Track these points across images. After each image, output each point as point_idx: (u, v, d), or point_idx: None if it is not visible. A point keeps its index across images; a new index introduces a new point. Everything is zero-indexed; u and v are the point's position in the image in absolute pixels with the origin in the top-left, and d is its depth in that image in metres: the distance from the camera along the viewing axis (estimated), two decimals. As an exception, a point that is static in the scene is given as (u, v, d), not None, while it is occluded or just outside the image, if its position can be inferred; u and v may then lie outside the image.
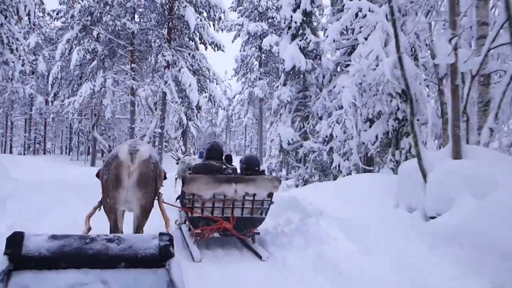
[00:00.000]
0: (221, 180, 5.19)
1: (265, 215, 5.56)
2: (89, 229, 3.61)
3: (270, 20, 29.34)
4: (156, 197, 3.99)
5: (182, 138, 29.72)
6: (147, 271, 1.67)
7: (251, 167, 5.66)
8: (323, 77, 13.29)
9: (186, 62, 19.87)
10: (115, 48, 19.65)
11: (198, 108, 22.26)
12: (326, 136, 12.98)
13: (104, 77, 18.97)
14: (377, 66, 10.56)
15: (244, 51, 29.58)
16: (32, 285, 1.51)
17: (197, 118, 23.04)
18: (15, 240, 1.61)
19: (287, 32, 13.98)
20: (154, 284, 1.63)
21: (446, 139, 11.30)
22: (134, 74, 19.04)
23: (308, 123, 13.55)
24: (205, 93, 21.17)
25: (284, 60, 13.59)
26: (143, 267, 1.68)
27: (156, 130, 22.48)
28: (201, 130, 57.28)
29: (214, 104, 21.44)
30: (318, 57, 13.71)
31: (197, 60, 20.55)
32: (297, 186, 14.41)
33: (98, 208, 3.97)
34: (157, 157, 3.93)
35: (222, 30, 26.19)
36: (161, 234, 1.79)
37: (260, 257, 4.98)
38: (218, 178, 5.22)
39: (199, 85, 20.50)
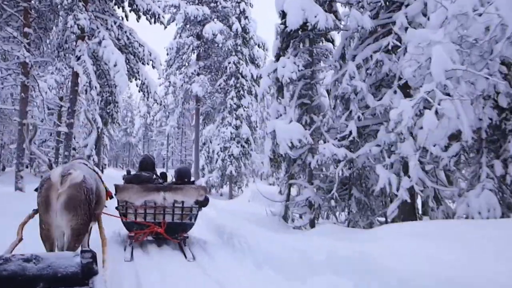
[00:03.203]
0: (149, 189, 5.89)
1: (194, 220, 6.15)
2: (21, 239, 3.67)
3: (212, 5, 24.19)
4: (96, 220, 4.13)
5: (95, 147, 22.99)
6: None
7: (181, 178, 6.43)
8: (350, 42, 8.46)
9: (110, 34, 13.86)
10: (1, 4, 13.01)
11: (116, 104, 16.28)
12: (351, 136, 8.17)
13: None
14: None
15: (180, 37, 23.90)
16: None
17: (117, 116, 16.79)
18: None
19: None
20: None
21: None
22: (28, 43, 12.55)
23: (324, 116, 8.46)
24: (135, 79, 15.18)
25: (283, 14, 8.52)
26: (64, 287, 1.53)
27: (62, 130, 16.03)
28: (114, 139, 49.60)
29: (148, 96, 15.51)
30: (335, 13, 8.81)
31: (125, 32, 14.58)
32: (300, 220, 9.21)
33: (32, 217, 3.96)
34: (94, 183, 3.90)
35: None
36: (83, 251, 1.72)
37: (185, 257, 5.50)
38: (147, 187, 5.92)
39: (128, 67, 14.54)
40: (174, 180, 6.55)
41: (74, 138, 22.00)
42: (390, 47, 8.20)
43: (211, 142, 31.72)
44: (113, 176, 25.02)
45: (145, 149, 56.48)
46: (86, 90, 15.22)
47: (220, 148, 22.96)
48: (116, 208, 5.84)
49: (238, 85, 23.33)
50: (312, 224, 9.28)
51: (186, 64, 24.65)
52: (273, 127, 8.68)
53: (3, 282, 1.55)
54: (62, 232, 3.65)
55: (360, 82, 7.97)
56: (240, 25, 23.65)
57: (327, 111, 8.33)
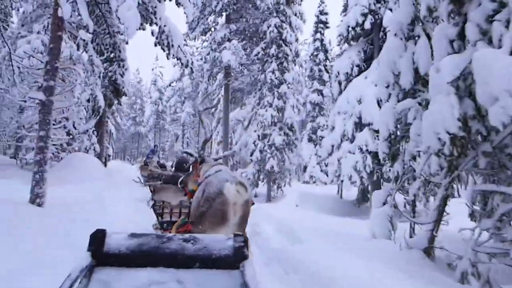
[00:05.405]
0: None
1: None
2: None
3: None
4: None
5: (96, 133, 17.79)
6: (221, 272, 1.53)
7: None
8: None
9: None
10: None
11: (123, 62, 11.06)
12: None
13: None
14: None
15: (207, -9, 18.57)
16: (113, 281, 1.47)
17: (124, 83, 11.56)
18: (98, 237, 1.55)
19: None
20: (228, 285, 1.48)
21: None
22: None
23: None
24: (150, 23, 9.94)
25: None
26: (217, 268, 1.54)
27: (34, 97, 10.79)
28: (121, 128, 44.44)
29: (169, 52, 10.33)
30: None
31: None
32: None
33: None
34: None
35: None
36: (235, 235, 1.63)
37: None
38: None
39: (141, 4, 9.28)
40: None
41: (74, 125, 16.86)
42: None
43: (233, 132, 26.61)
44: (122, 170, 19.79)
45: (156, 140, 51.40)
46: (78, 45, 10.08)
47: (258, 135, 17.65)
48: (152, 207, 5.95)
49: (280, 54, 17.96)
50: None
51: (213, 28, 19.33)
52: (463, 64, 3.38)
53: (166, 258, 1.49)
54: None
55: None
56: (282, -23, 18.30)
57: None
